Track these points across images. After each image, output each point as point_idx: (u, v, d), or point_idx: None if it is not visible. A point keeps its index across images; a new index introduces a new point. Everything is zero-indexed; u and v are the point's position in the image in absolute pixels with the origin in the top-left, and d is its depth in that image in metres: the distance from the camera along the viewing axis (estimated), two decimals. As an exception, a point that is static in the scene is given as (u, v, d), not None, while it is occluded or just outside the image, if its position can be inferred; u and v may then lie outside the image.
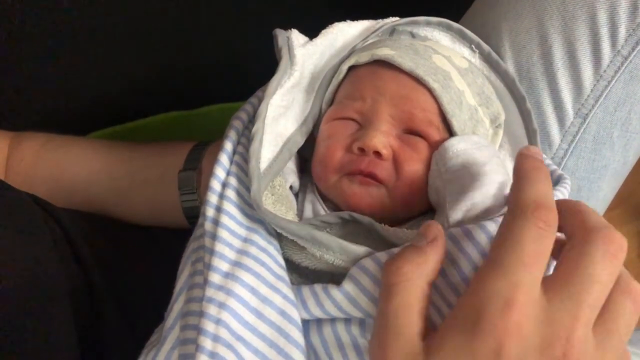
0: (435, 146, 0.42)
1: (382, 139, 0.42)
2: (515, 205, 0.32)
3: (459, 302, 0.31)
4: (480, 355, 0.29)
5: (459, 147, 0.40)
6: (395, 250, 0.36)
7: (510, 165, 0.47)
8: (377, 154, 0.42)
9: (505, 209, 0.36)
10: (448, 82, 0.44)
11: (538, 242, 0.30)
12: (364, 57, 0.45)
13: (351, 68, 0.47)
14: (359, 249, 0.37)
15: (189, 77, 0.79)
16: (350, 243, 0.38)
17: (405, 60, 0.43)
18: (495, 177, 0.39)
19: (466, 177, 0.39)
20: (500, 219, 0.34)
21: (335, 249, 0.38)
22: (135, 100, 0.78)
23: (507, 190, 0.39)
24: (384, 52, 0.44)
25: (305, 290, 0.38)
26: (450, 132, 0.44)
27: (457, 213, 0.37)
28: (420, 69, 0.43)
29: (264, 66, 0.49)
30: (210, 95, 0.79)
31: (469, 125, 0.44)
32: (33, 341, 0.41)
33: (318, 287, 0.37)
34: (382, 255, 0.36)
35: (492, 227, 0.35)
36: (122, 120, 0.77)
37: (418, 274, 0.32)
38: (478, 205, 0.37)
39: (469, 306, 0.30)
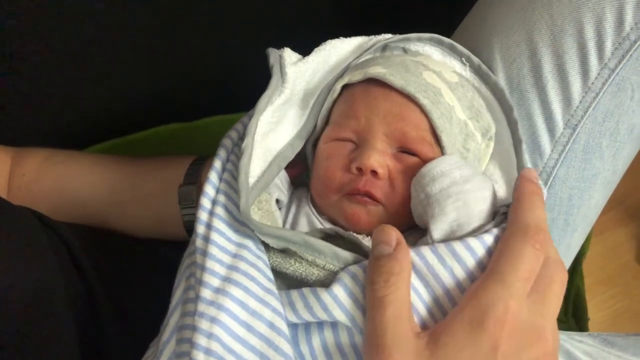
0: (428, 162, 0.44)
1: (378, 158, 0.44)
2: (516, 226, 0.38)
3: (462, 305, 0.36)
4: (481, 350, 0.34)
5: (436, 171, 0.42)
6: None
7: (499, 175, 0.49)
8: (374, 172, 0.44)
9: (490, 224, 0.40)
10: (438, 97, 0.45)
11: (534, 261, 0.37)
12: (356, 76, 0.47)
13: (345, 86, 0.48)
14: (350, 255, 0.40)
15: (188, 90, 0.80)
16: (341, 249, 0.40)
17: (396, 78, 0.44)
18: (479, 194, 0.41)
19: (447, 198, 0.40)
20: (483, 236, 0.39)
21: (327, 253, 0.40)
22: (135, 113, 0.79)
23: (490, 203, 0.41)
24: (376, 71, 0.45)
25: (294, 294, 0.39)
26: (441, 147, 0.45)
27: (441, 234, 0.40)
28: (411, 86, 0.44)
29: (262, 78, 0.51)
30: (210, 107, 0.81)
31: (459, 140, 0.46)
32: (35, 353, 0.42)
33: (306, 290, 0.39)
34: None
35: (476, 244, 0.39)
36: (122, 132, 0.78)
37: (401, 282, 0.36)
38: (463, 226, 0.40)
39: (474, 309, 0.35)
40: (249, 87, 0.49)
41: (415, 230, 0.44)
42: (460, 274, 0.38)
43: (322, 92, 0.49)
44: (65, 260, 0.49)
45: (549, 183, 0.52)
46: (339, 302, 0.38)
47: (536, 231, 0.37)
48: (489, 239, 0.39)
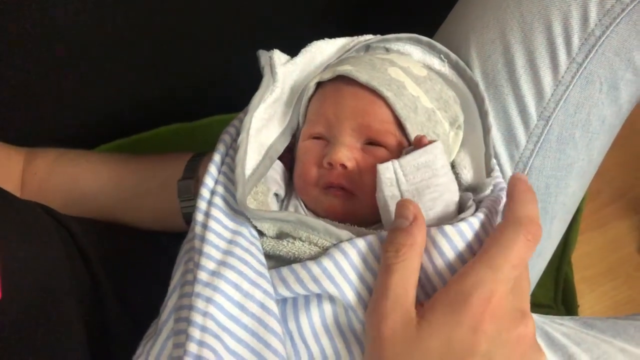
0: (394, 151, 0.47)
1: (346, 152, 0.47)
2: (512, 217, 0.40)
3: (449, 284, 0.39)
4: (461, 329, 0.36)
5: (421, 160, 0.43)
6: (370, 238, 0.42)
7: (468, 162, 0.52)
8: (344, 166, 0.47)
9: (469, 210, 0.43)
10: (402, 90, 0.48)
11: (524, 249, 0.39)
12: (327, 74, 0.50)
13: (320, 84, 0.51)
14: (342, 232, 0.43)
15: (190, 91, 0.83)
16: (333, 226, 0.43)
17: (361, 74, 0.48)
18: (452, 187, 0.44)
19: (426, 189, 0.43)
20: (459, 224, 0.41)
21: (320, 229, 0.43)
22: (139, 114, 0.81)
23: (458, 195, 0.44)
24: (344, 68, 0.49)
25: (285, 270, 0.43)
26: (406, 135, 0.48)
27: None
28: (375, 81, 0.47)
29: (261, 79, 0.54)
30: (211, 108, 0.83)
31: (427, 126, 0.49)
32: (44, 343, 0.45)
33: (296, 265, 0.42)
34: (360, 241, 0.42)
35: (465, 227, 0.41)
36: (128, 133, 0.81)
37: (411, 253, 0.39)
38: (439, 214, 0.43)
39: (460, 288, 0.38)
40: (248, 87, 0.51)
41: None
42: (450, 254, 0.40)
43: (302, 91, 0.52)
44: (72, 252, 0.52)
45: (525, 172, 0.55)
46: (328, 274, 0.41)
47: (529, 222, 0.39)
48: (475, 221, 0.41)
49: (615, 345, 0.53)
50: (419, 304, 0.39)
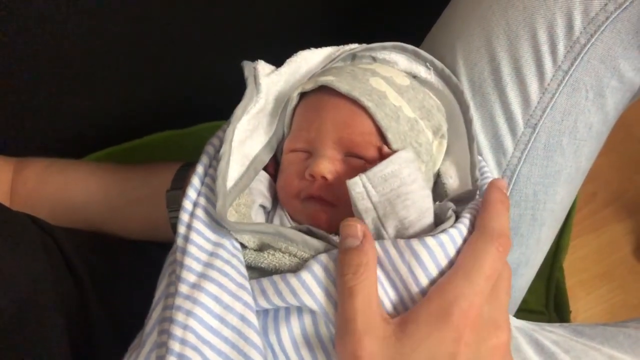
0: (373, 162, 0.46)
1: (327, 165, 0.47)
2: (483, 230, 0.41)
3: (429, 297, 0.39)
4: (444, 341, 0.37)
5: (387, 171, 0.43)
6: None
7: (454, 171, 0.52)
8: (324, 178, 0.47)
9: (447, 223, 0.43)
10: (383, 100, 0.48)
11: (497, 261, 0.40)
12: (309, 84, 0.50)
13: (303, 94, 0.52)
14: (319, 243, 0.43)
15: (181, 98, 0.83)
16: (311, 237, 0.44)
17: (342, 84, 0.48)
18: (424, 192, 0.44)
19: (397, 198, 0.43)
20: (440, 235, 0.41)
21: (298, 241, 0.43)
22: (130, 122, 0.81)
23: (431, 200, 0.45)
24: (326, 79, 0.49)
25: (265, 281, 0.42)
26: (388, 144, 0.48)
27: (393, 232, 0.43)
28: (356, 91, 0.47)
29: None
30: (202, 115, 0.83)
31: (410, 135, 0.48)
32: (27, 356, 0.45)
33: (276, 277, 0.42)
34: (337, 253, 0.42)
35: (433, 243, 0.41)
36: (118, 141, 0.81)
37: (369, 272, 0.39)
38: (415, 223, 0.43)
39: (440, 303, 0.38)
40: (239, 95, 0.52)
41: None
42: (431, 266, 0.41)
43: (287, 101, 0.52)
44: (58, 261, 0.52)
45: (513, 180, 0.55)
46: (306, 287, 0.41)
47: (500, 235, 0.41)
48: (455, 233, 0.42)
49: (604, 353, 0.53)
50: (394, 317, 0.39)
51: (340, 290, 0.40)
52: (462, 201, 0.48)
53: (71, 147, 0.74)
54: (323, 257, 0.42)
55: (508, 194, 0.55)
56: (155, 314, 0.44)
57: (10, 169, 0.63)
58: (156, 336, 0.43)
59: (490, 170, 0.55)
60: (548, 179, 0.55)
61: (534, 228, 0.57)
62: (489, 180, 0.50)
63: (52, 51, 0.69)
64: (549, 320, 0.82)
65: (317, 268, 0.41)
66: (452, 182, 0.51)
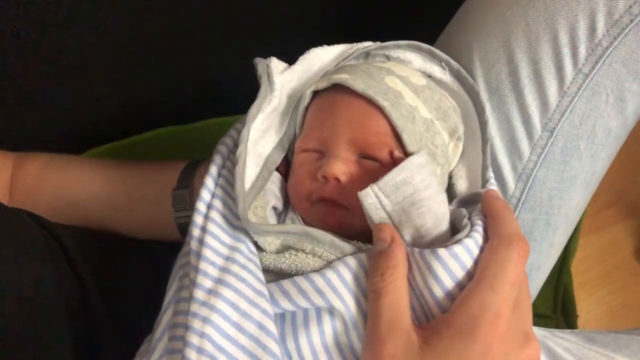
0: (388, 166, 0.45)
1: (341, 166, 0.46)
2: (500, 237, 0.40)
3: (453, 310, 0.38)
4: (471, 354, 0.36)
5: (399, 179, 0.42)
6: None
7: (464, 172, 0.51)
8: (337, 180, 0.46)
9: (464, 232, 0.41)
10: (399, 100, 0.47)
11: (519, 267, 0.39)
12: (322, 83, 0.49)
13: (316, 93, 0.50)
14: (347, 245, 0.43)
15: (185, 93, 0.82)
16: (339, 239, 0.43)
17: (357, 83, 0.46)
18: (439, 198, 0.43)
19: (411, 206, 0.42)
20: (453, 247, 0.40)
21: (325, 242, 0.43)
22: (133, 117, 0.80)
23: (447, 205, 0.44)
24: (340, 77, 0.47)
25: (286, 282, 0.41)
26: (403, 146, 0.47)
27: (410, 240, 0.42)
28: (371, 90, 0.46)
29: (257, 82, 0.52)
30: (206, 110, 0.82)
31: (426, 137, 0.47)
32: (31, 355, 0.44)
33: (298, 277, 0.41)
34: (363, 256, 0.41)
35: (460, 250, 0.40)
36: (121, 136, 0.79)
37: (397, 274, 0.39)
38: (431, 230, 0.42)
39: (465, 314, 0.37)
40: (244, 90, 0.50)
41: None
42: (446, 278, 0.39)
43: (298, 100, 0.51)
44: (61, 262, 0.51)
45: (528, 184, 0.54)
46: (332, 286, 0.40)
47: (518, 239, 0.39)
48: (470, 243, 0.40)
49: (618, 361, 0.52)
50: (419, 327, 0.38)
51: (369, 292, 0.39)
52: (470, 203, 0.47)
53: (72, 142, 0.73)
54: (349, 259, 0.41)
55: (523, 198, 0.54)
56: (165, 318, 0.43)
57: (9, 164, 0.62)
58: (167, 342, 0.41)
59: (505, 174, 0.54)
60: (564, 183, 0.54)
61: (547, 233, 0.56)
62: (493, 184, 0.49)
63: (53, 45, 0.68)
64: (557, 325, 0.82)
65: (342, 269, 0.41)
66: (462, 183, 0.50)
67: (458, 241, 0.40)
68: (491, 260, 0.39)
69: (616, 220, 1.23)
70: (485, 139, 0.50)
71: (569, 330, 0.59)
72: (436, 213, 0.42)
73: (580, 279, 1.12)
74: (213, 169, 0.47)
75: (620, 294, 1.15)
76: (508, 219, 0.41)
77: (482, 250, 0.40)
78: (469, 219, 0.44)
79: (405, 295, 0.39)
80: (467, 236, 0.41)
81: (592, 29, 0.49)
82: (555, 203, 0.55)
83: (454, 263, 0.39)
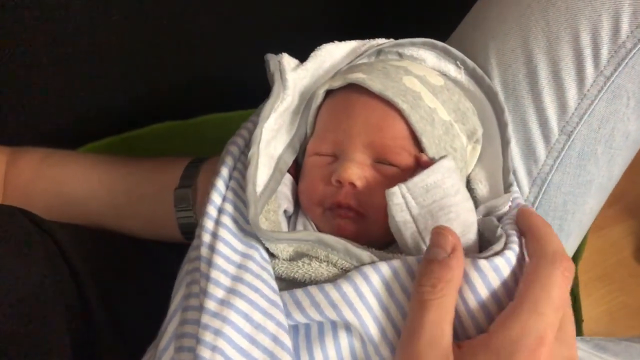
0: (406, 170, 0.43)
1: (356, 170, 0.44)
2: (542, 256, 0.37)
3: (491, 332, 0.35)
4: None
5: (429, 181, 0.41)
6: (395, 263, 0.38)
7: (483, 176, 0.49)
8: (353, 185, 0.44)
9: (499, 243, 0.39)
10: (418, 101, 0.45)
11: (564, 288, 0.36)
12: (337, 82, 0.47)
13: (329, 92, 0.48)
14: (363, 253, 0.40)
15: (184, 88, 0.80)
16: (354, 246, 0.40)
17: (375, 83, 0.44)
18: (468, 205, 0.41)
19: (440, 210, 0.40)
20: (494, 259, 0.37)
21: (340, 249, 0.40)
22: (131, 111, 0.79)
23: (475, 213, 0.42)
24: (356, 76, 0.46)
25: (299, 292, 0.39)
26: (422, 150, 0.45)
27: None
28: (389, 91, 0.44)
29: (258, 77, 0.51)
30: (205, 106, 0.80)
31: (445, 140, 0.46)
32: (28, 358, 0.42)
33: (312, 288, 0.39)
34: (383, 266, 0.39)
35: (501, 262, 0.38)
36: (118, 131, 0.78)
37: (449, 289, 0.36)
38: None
39: (505, 338, 0.34)
40: (243, 85, 0.49)
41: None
42: (483, 290, 0.37)
43: (309, 99, 0.49)
44: (58, 262, 0.49)
45: (543, 189, 0.53)
46: (347, 300, 0.38)
47: (563, 258, 0.37)
48: (511, 256, 0.38)
49: (631, 370, 0.51)
50: (455, 344, 0.36)
51: (414, 301, 0.36)
52: (493, 210, 0.45)
53: (69, 136, 0.72)
54: (367, 269, 0.39)
55: (537, 203, 0.53)
56: (171, 327, 0.41)
57: (3, 159, 0.60)
58: (173, 352, 0.39)
59: (519, 178, 0.52)
60: (579, 188, 0.53)
61: (560, 239, 0.55)
62: (516, 190, 0.47)
63: (51, 38, 0.66)
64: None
65: (359, 280, 0.38)
66: (482, 187, 0.49)
67: (498, 253, 0.38)
68: (534, 280, 0.36)
69: (616, 221, 1.23)
70: (505, 141, 0.48)
71: (579, 338, 0.57)
72: (465, 220, 0.40)
73: (580, 280, 1.12)
74: (224, 171, 0.45)
75: (618, 295, 1.15)
76: (550, 235, 0.38)
77: (520, 264, 0.38)
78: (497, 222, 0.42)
79: (452, 314, 0.36)
80: (506, 248, 0.38)
81: (615, 30, 0.48)
82: (570, 208, 0.54)
83: (493, 276, 0.37)
